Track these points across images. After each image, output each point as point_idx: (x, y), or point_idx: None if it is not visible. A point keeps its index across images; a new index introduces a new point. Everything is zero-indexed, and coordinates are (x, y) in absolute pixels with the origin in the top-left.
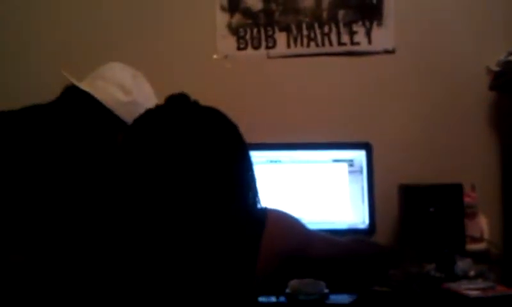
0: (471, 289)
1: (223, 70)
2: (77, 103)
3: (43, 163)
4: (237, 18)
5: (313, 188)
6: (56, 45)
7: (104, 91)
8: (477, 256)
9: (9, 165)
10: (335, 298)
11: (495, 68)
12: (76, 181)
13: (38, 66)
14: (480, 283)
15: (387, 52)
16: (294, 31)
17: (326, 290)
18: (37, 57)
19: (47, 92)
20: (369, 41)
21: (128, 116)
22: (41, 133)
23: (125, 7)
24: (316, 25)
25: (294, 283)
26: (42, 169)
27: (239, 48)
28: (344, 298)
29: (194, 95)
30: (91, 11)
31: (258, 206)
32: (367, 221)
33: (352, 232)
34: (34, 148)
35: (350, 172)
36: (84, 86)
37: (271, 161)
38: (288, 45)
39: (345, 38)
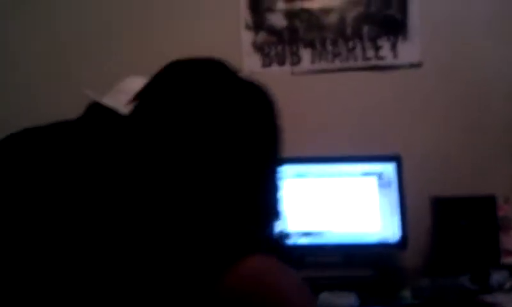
0: (507, 301)
1: None
2: (103, 120)
3: (71, 183)
4: (262, 36)
5: (343, 202)
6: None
7: (128, 105)
8: None
9: (37, 183)
10: None
11: None
12: (104, 199)
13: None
14: None
15: (413, 65)
16: (319, 47)
17: (357, 303)
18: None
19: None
20: (395, 55)
21: None
22: (69, 152)
23: (153, 30)
24: (341, 41)
25: (324, 295)
26: (69, 188)
27: (264, 65)
28: None
29: None
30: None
31: (269, 232)
32: (397, 234)
33: (383, 246)
34: (61, 169)
35: (380, 185)
36: (107, 101)
37: (299, 175)
38: (313, 61)
39: (370, 53)
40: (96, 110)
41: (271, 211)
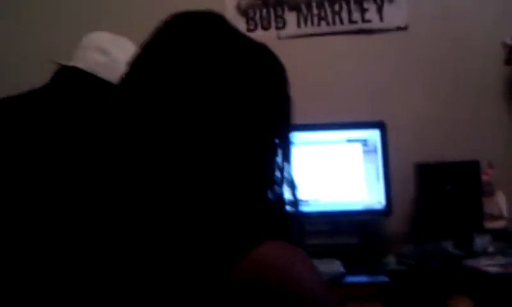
0: (491, 265)
1: None
2: (65, 80)
3: (38, 150)
4: None
5: (328, 170)
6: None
7: (84, 59)
8: (496, 234)
9: (4, 154)
10: (352, 278)
11: (510, 42)
12: (73, 161)
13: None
14: (500, 259)
15: (399, 28)
16: (304, 10)
17: (342, 270)
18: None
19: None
20: (381, 18)
21: (112, 74)
22: (33, 118)
23: None
24: (326, 4)
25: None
26: (37, 155)
27: (248, 30)
28: (360, 278)
29: None
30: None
31: (281, 207)
32: (383, 201)
33: (368, 213)
34: (27, 135)
35: (364, 152)
36: (80, 64)
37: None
38: (299, 25)
39: (356, 16)
40: (60, 73)
41: (285, 184)
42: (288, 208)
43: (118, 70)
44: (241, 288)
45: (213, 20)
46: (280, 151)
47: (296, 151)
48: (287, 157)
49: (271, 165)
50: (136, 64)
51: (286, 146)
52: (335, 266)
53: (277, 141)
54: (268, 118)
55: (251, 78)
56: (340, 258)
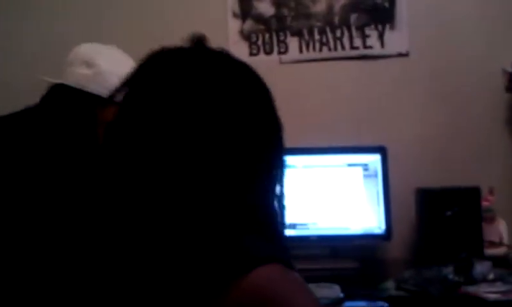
0: (490, 292)
1: None
2: (54, 98)
3: (29, 166)
4: (249, 24)
5: (328, 193)
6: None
7: (71, 74)
8: (496, 261)
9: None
10: (350, 304)
11: (511, 70)
12: (62, 178)
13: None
14: (500, 286)
15: (401, 55)
16: (306, 36)
17: (341, 295)
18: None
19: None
20: (382, 45)
21: (100, 87)
22: (25, 136)
23: (134, 14)
24: (328, 30)
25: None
26: (28, 171)
27: (251, 54)
28: (359, 303)
29: None
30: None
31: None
32: (383, 226)
33: (368, 237)
34: (17, 153)
35: (365, 176)
36: (56, 80)
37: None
38: (301, 50)
39: (357, 42)
40: (50, 91)
41: (276, 209)
42: (281, 229)
43: (106, 81)
44: None
45: (198, 53)
46: (270, 173)
47: (296, 174)
48: (278, 179)
49: (261, 187)
50: (130, 87)
51: (277, 166)
52: (333, 291)
53: (267, 163)
54: (255, 139)
55: (234, 99)
56: (339, 283)
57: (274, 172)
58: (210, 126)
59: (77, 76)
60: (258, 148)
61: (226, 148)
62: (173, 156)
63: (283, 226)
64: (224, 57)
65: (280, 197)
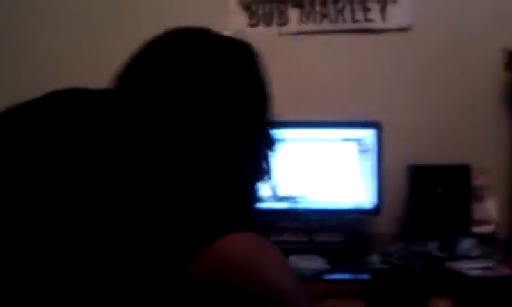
0: (471, 268)
1: None
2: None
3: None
4: None
5: (322, 167)
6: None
7: None
8: (483, 239)
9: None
10: (334, 276)
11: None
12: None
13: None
14: (482, 263)
15: (401, 29)
16: (307, 7)
17: (325, 267)
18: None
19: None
20: (383, 19)
21: None
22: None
23: None
24: (330, 1)
25: (293, 258)
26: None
27: (250, 25)
28: (343, 275)
29: None
30: None
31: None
32: (374, 201)
33: (357, 211)
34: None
35: (359, 151)
36: None
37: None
38: (301, 22)
39: (359, 15)
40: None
41: (259, 179)
42: (261, 202)
43: None
44: (201, 285)
45: (192, 36)
46: (259, 144)
47: (291, 147)
48: (266, 149)
49: (248, 156)
50: (128, 70)
51: (260, 138)
52: (316, 262)
53: (249, 134)
54: (235, 110)
55: (223, 77)
56: (326, 255)
57: (258, 144)
58: (188, 99)
59: None
60: (239, 119)
61: (204, 119)
62: (152, 126)
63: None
64: (203, 34)
65: (264, 170)
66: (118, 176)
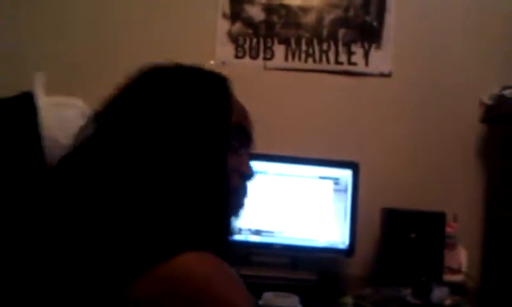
0: None
1: None
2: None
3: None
4: (238, 26)
5: (297, 203)
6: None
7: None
8: (454, 288)
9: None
10: None
11: (488, 101)
12: None
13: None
14: None
15: (383, 75)
16: (293, 45)
17: (300, 305)
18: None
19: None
20: (366, 63)
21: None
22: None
23: (125, 7)
24: (315, 42)
25: (267, 295)
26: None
27: (236, 57)
28: None
29: None
30: (94, 13)
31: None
32: (347, 241)
33: (330, 251)
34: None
35: (335, 190)
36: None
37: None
38: (286, 58)
39: (343, 57)
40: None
41: (222, 203)
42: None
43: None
44: (146, 300)
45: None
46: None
47: (267, 181)
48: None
49: (209, 184)
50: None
51: (233, 169)
52: (292, 301)
53: (207, 162)
54: (203, 139)
55: (187, 109)
56: (298, 293)
57: (220, 173)
58: (150, 129)
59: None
60: (198, 147)
61: (168, 146)
62: (117, 151)
63: (233, 228)
64: (175, 70)
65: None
66: (82, 210)
